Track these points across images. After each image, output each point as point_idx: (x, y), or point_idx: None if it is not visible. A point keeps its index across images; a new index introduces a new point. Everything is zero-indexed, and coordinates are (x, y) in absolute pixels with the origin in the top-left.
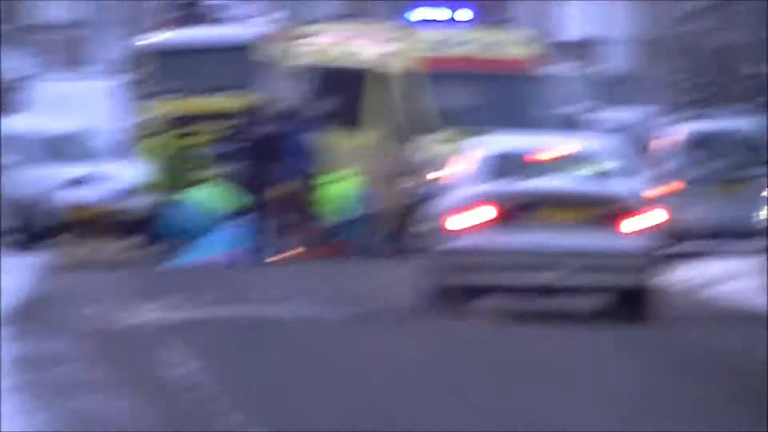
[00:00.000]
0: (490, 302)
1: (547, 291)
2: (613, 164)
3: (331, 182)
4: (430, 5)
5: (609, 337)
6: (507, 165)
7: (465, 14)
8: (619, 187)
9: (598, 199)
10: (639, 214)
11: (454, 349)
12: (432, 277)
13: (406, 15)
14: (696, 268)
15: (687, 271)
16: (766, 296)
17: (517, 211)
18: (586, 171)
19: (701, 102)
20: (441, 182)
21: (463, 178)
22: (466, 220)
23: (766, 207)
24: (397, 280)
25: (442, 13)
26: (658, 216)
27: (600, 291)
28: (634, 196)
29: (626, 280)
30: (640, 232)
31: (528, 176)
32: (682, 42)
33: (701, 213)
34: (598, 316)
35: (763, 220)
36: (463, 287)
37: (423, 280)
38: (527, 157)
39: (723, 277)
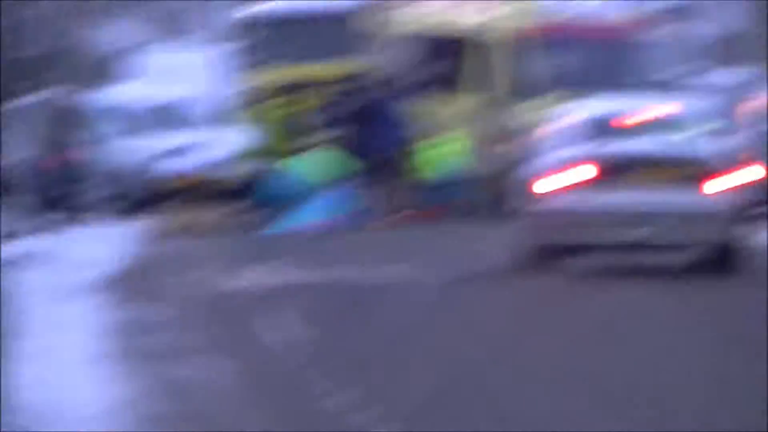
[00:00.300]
0: (587, 259)
1: (640, 247)
2: (705, 126)
3: (432, 147)
4: None
5: (699, 294)
6: (601, 127)
7: None
8: (707, 148)
9: (686, 161)
10: (726, 174)
11: (547, 309)
12: (532, 236)
13: None
14: None
15: None
16: None
17: (611, 171)
18: (677, 133)
19: None
20: (540, 144)
21: (559, 140)
22: (563, 180)
23: None
24: (497, 243)
25: None
26: (750, 175)
27: (689, 247)
28: (721, 158)
29: (713, 237)
30: (727, 192)
31: (621, 138)
32: None
33: None
34: (689, 272)
35: None
36: (561, 245)
37: (523, 240)
38: (620, 120)
39: None
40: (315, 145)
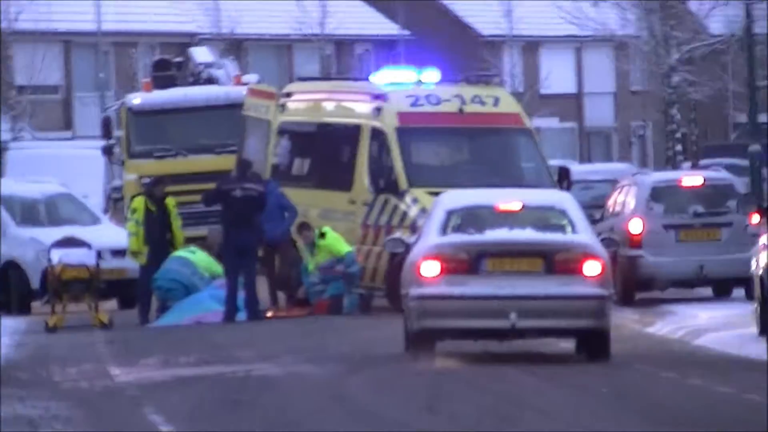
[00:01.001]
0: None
1: (511, 333)
2: (567, 217)
3: (316, 240)
4: (396, 66)
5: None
6: (469, 217)
7: (432, 76)
8: (568, 236)
9: (546, 248)
10: (589, 261)
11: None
12: (407, 321)
13: (370, 77)
14: (683, 316)
15: (676, 321)
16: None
17: (484, 258)
18: (540, 222)
19: (683, 153)
20: (423, 231)
21: (428, 230)
22: (426, 270)
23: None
24: (382, 333)
25: (408, 75)
26: (603, 265)
27: (560, 333)
28: (582, 245)
29: (584, 324)
30: (590, 279)
31: (486, 228)
32: (665, 95)
33: (671, 259)
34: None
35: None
36: (436, 330)
37: (406, 323)
38: (497, 208)
39: (711, 326)
40: (193, 239)
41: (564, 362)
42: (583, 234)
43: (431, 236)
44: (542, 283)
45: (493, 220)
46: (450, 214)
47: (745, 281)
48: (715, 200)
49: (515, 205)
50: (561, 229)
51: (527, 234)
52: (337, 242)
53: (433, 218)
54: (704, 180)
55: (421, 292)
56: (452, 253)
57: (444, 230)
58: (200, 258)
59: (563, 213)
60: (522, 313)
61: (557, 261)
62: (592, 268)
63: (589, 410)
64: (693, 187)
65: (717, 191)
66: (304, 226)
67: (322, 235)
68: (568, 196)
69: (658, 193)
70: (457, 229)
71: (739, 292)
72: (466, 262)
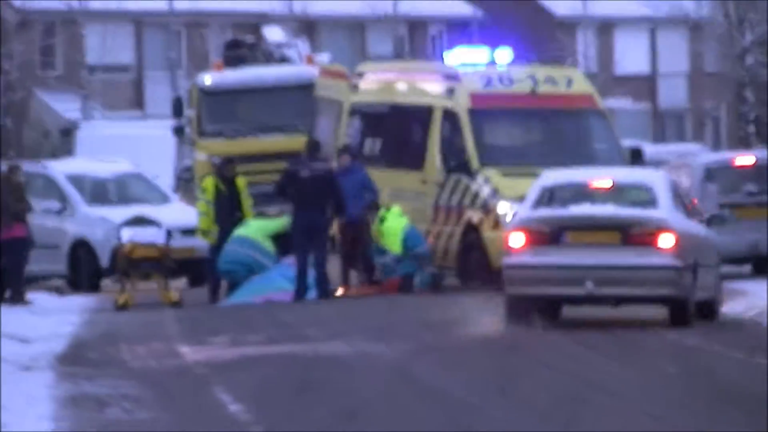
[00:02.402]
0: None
1: (582, 301)
2: (653, 194)
3: (389, 219)
4: (469, 46)
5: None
6: (561, 193)
7: (504, 56)
8: (645, 212)
9: (623, 222)
10: (663, 234)
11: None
12: (505, 287)
13: (443, 55)
14: (753, 296)
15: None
16: None
17: (549, 233)
18: (625, 199)
19: (757, 135)
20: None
21: (523, 205)
22: (513, 241)
23: None
24: (448, 313)
25: (481, 54)
26: (677, 238)
27: (633, 301)
28: (657, 219)
29: (665, 292)
30: (664, 250)
31: (573, 203)
32: (739, 76)
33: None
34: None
35: None
36: (514, 297)
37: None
38: (582, 187)
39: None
40: (265, 218)
41: (635, 342)
42: (662, 210)
43: (523, 210)
44: (618, 254)
45: (582, 196)
46: (545, 190)
47: None
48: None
49: (606, 183)
50: (643, 204)
51: (605, 209)
52: (389, 237)
53: (530, 194)
54: (756, 160)
55: (509, 262)
56: (536, 226)
57: (536, 205)
58: (256, 228)
59: (649, 190)
60: (598, 281)
61: (633, 234)
62: (666, 240)
63: (657, 391)
64: (745, 166)
65: None
66: (372, 206)
67: (382, 220)
68: (660, 175)
69: (711, 174)
70: (547, 203)
71: None
72: (548, 235)
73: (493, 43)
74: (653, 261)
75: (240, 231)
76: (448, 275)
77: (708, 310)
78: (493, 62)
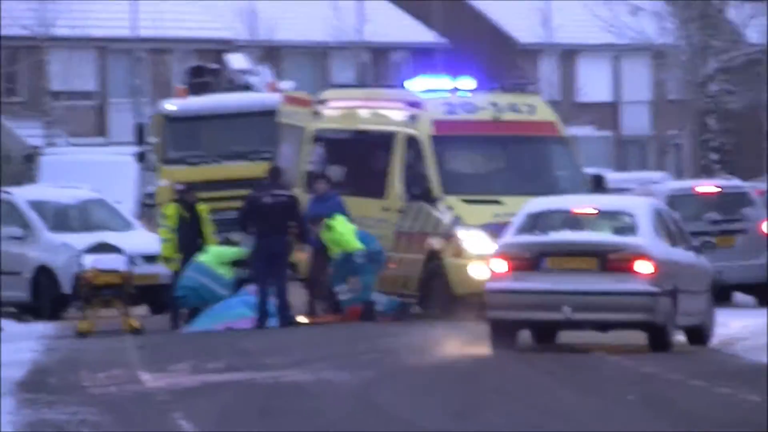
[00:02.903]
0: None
1: (561, 326)
2: (634, 220)
3: (337, 225)
4: (432, 74)
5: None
6: (543, 220)
7: (467, 83)
8: (624, 238)
9: (600, 248)
10: (640, 261)
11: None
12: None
13: (405, 84)
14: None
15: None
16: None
17: (530, 259)
18: (606, 225)
19: (720, 163)
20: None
21: (508, 231)
22: (495, 266)
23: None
24: (409, 341)
25: (444, 83)
26: (655, 265)
27: (610, 327)
28: (634, 246)
29: (632, 317)
30: (641, 277)
31: (554, 229)
32: (702, 104)
33: None
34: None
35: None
36: (495, 321)
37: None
38: (564, 213)
39: (742, 335)
40: (235, 243)
41: (596, 370)
42: (641, 236)
43: (507, 236)
44: (595, 279)
45: (565, 222)
46: (529, 216)
47: (760, 287)
48: (730, 208)
49: (588, 209)
50: (623, 231)
51: (583, 235)
52: (342, 236)
53: (515, 220)
54: (719, 188)
55: (490, 286)
56: (517, 252)
57: (519, 231)
58: (213, 255)
59: (631, 217)
60: (576, 307)
61: (610, 260)
62: (642, 266)
63: (617, 419)
64: (708, 194)
65: (731, 199)
66: (315, 220)
67: (329, 227)
68: (644, 202)
69: (674, 201)
70: (530, 230)
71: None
72: (529, 260)
73: (456, 71)
74: (629, 287)
75: (198, 257)
76: (410, 303)
77: (697, 336)
78: (455, 90)
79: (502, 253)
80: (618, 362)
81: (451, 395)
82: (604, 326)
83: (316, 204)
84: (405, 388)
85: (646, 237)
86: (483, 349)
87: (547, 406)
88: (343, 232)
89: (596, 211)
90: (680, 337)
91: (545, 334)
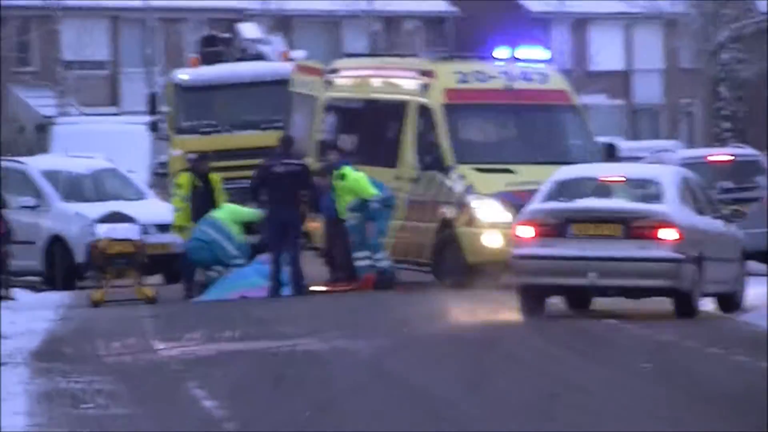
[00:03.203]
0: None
1: (587, 291)
2: (660, 188)
3: (348, 174)
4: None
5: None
6: (571, 187)
7: (535, 53)
8: (648, 206)
9: (625, 215)
10: (664, 228)
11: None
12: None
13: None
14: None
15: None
16: None
17: (556, 226)
18: (633, 193)
19: (731, 131)
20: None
21: (535, 198)
22: (522, 233)
23: None
24: (423, 310)
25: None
26: (679, 231)
27: (635, 293)
28: (659, 213)
29: (655, 283)
30: (665, 243)
31: (580, 197)
32: (714, 72)
33: None
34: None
35: None
36: (522, 287)
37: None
38: (592, 181)
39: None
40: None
41: (611, 338)
42: (666, 204)
43: (534, 203)
44: (620, 246)
45: (592, 190)
46: (557, 184)
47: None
48: (743, 176)
49: (615, 177)
50: (648, 198)
51: (609, 202)
52: (357, 183)
53: (543, 188)
54: (732, 156)
55: (518, 252)
56: (543, 219)
57: (547, 198)
58: (228, 212)
59: (657, 185)
60: (601, 272)
61: (635, 227)
62: (666, 233)
63: (630, 387)
64: (720, 163)
65: (744, 167)
66: (324, 171)
67: (342, 176)
68: (671, 170)
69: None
70: (556, 197)
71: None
72: (555, 227)
73: (468, 40)
74: (653, 253)
75: (212, 212)
76: (423, 271)
77: (728, 304)
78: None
79: (528, 220)
80: (634, 330)
81: (464, 364)
82: (629, 292)
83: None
84: (419, 357)
85: (670, 204)
86: (496, 316)
87: (561, 375)
88: (357, 178)
89: (623, 179)
90: (708, 305)
91: (578, 300)
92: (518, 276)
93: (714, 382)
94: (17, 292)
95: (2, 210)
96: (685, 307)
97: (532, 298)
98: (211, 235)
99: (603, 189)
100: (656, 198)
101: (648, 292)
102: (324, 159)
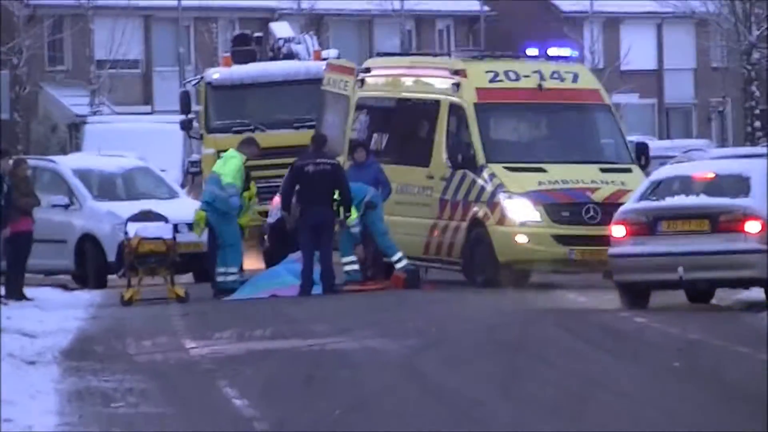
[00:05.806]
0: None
1: (677, 286)
2: (748, 183)
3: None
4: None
5: None
6: (666, 186)
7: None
8: (734, 200)
9: (711, 210)
10: (749, 221)
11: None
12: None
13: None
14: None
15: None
16: None
17: (646, 224)
18: (723, 188)
19: (762, 130)
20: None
21: (631, 198)
22: (616, 232)
23: None
24: (454, 309)
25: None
26: (763, 224)
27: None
28: (743, 207)
29: (742, 274)
30: (750, 236)
31: (672, 194)
32: (745, 71)
33: None
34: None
35: None
36: (620, 284)
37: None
38: (686, 179)
39: None
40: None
41: (640, 337)
42: (752, 198)
43: (628, 203)
44: (707, 240)
45: (684, 187)
46: (653, 183)
47: None
48: None
49: (707, 174)
50: (736, 193)
51: (695, 199)
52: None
53: (639, 187)
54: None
55: (612, 251)
56: (635, 218)
57: (641, 198)
58: (219, 164)
59: (747, 180)
60: (689, 267)
61: (721, 221)
62: (752, 227)
63: (660, 386)
64: None
65: None
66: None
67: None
68: (761, 165)
69: None
70: (648, 196)
71: None
72: (645, 225)
73: (500, 40)
74: (739, 246)
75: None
76: (454, 270)
77: None
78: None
79: (621, 220)
80: (662, 329)
81: (494, 364)
82: (716, 284)
83: (355, 172)
84: (449, 357)
85: (757, 198)
86: (526, 315)
87: (591, 375)
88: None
89: (714, 175)
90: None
91: (700, 294)
92: (616, 273)
93: (743, 381)
94: (47, 291)
95: (32, 209)
96: None
97: (632, 294)
98: (213, 192)
99: (693, 185)
100: (744, 192)
101: (734, 284)
102: (351, 157)
